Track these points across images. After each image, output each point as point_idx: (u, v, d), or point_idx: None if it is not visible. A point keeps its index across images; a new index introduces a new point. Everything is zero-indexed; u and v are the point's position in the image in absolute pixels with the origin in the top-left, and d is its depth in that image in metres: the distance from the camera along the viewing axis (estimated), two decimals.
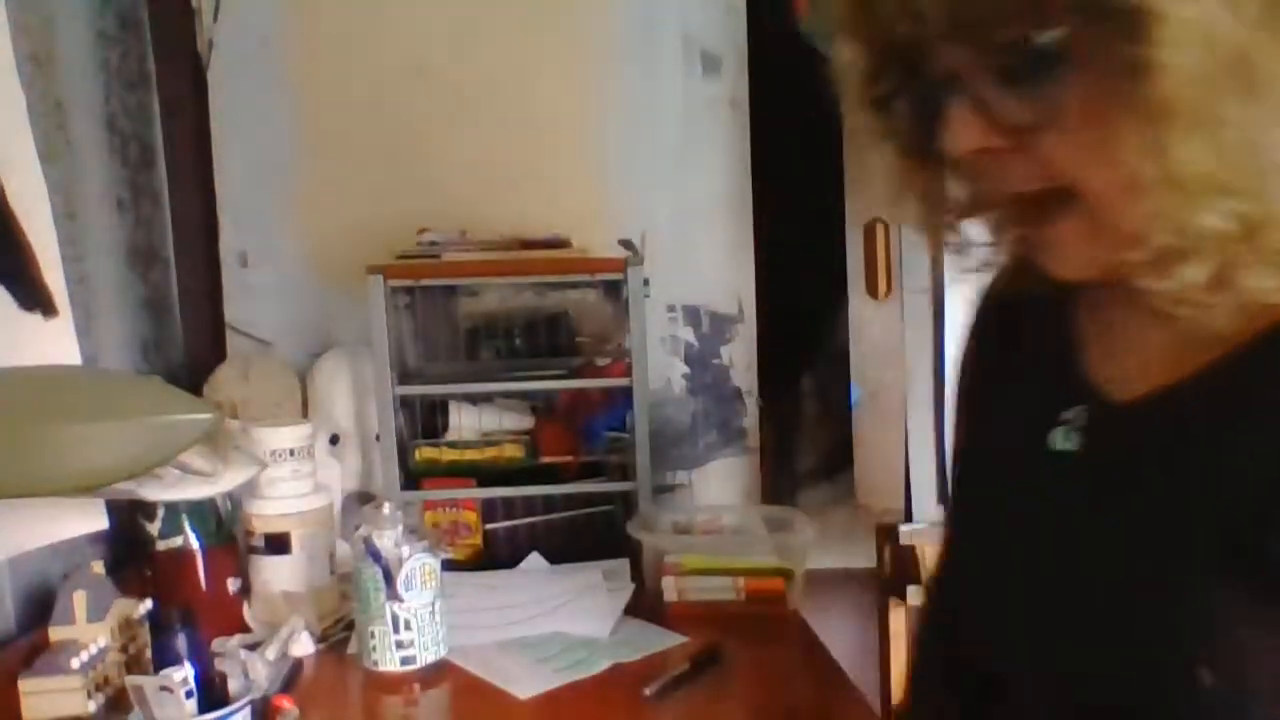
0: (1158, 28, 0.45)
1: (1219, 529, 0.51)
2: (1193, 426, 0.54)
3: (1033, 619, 0.60)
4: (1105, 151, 0.49)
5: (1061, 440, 0.60)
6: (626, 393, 1.44)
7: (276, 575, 1.25)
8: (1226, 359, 0.53)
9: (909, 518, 1.56)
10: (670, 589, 1.26)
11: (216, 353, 1.64)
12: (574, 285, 1.58)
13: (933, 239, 0.63)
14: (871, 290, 1.61)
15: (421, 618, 1.07)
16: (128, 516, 1.24)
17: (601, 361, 1.54)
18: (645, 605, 1.26)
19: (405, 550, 1.07)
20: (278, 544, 1.25)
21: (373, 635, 1.07)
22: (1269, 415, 0.51)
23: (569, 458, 1.51)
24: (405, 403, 1.47)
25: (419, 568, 1.07)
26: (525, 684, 1.06)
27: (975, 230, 0.62)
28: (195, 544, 1.22)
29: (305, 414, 1.55)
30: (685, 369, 1.71)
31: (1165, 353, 0.56)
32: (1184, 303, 0.51)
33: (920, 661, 0.82)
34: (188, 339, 1.63)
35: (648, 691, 1.03)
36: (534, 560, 1.44)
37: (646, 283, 1.46)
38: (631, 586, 1.32)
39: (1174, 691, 0.52)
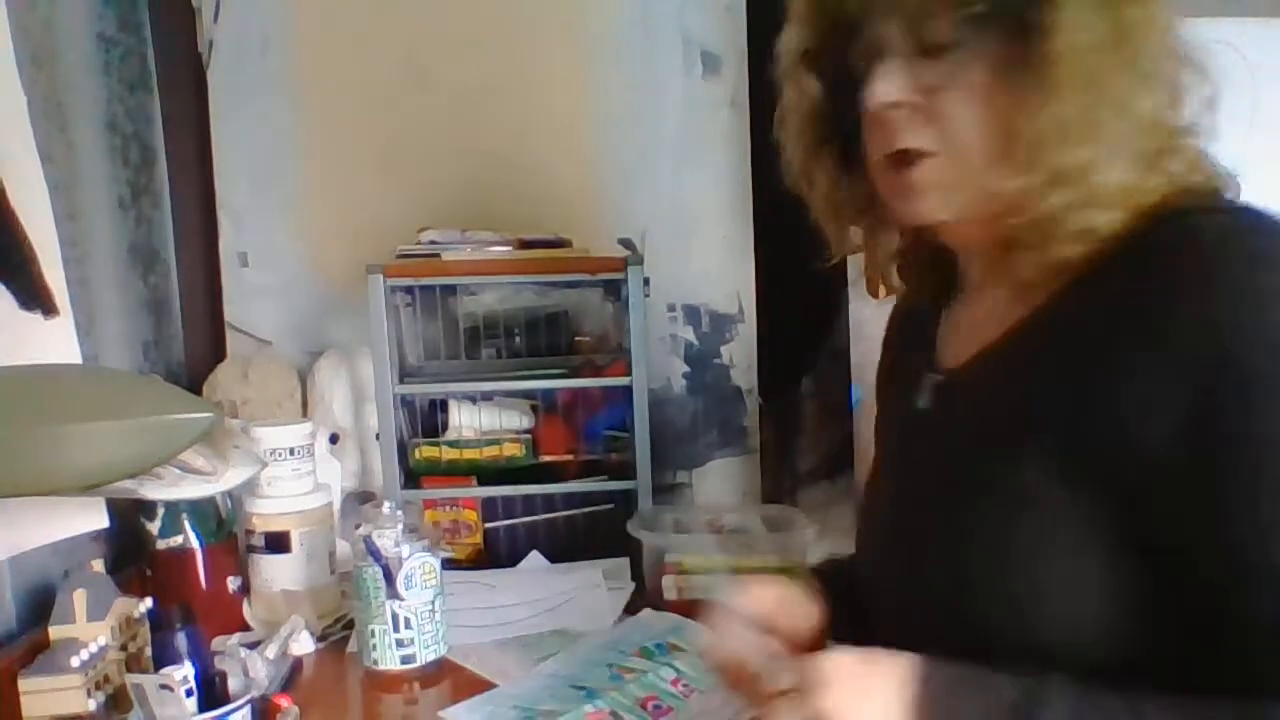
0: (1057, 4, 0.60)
1: (1012, 450, 0.64)
2: (989, 378, 0.70)
3: (889, 543, 0.76)
4: (991, 107, 0.63)
5: (921, 401, 0.77)
6: (626, 392, 1.44)
7: (276, 574, 1.25)
8: (1013, 330, 0.68)
9: None
10: (670, 588, 1.27)
11: (216, 352, 1.65)
12: (574, 285, 1.58)
13: (836, 218, 0.80)
14: (871, 290, 1.61)
15: (421, 616, 1.07)
16: (128, 515, 1.24)
17: (601, 361, 1.54)
18: (645, 604, 1.26)
19: (405, 549, 1.07)
20: (278, 543, 1.25)
21: (373, 634, 1.07)
22: (1046, 362, 0.64)
23: (569, 457, 1.51)
24: (405, 401, 1.47)
25: (419, 566, 1.07)
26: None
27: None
28: (195, 543, 1.22)
29: (305, 413, 1.55)
30: (685, 368, 1.71)
31: (978, 330, 0.73)
32: (1040, 236, 0.64)
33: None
34: (188, 338, 1.64)
35: None
36: (534, 559, 1.44)
37: (647, 282, 1.46)
38: (631, 585, 1.32)
39: (985, 594, 0.64)
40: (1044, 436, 0.62)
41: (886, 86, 0.65)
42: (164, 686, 0.84)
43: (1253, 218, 0.59)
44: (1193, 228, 0.60)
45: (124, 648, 1.06)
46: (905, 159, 0.67)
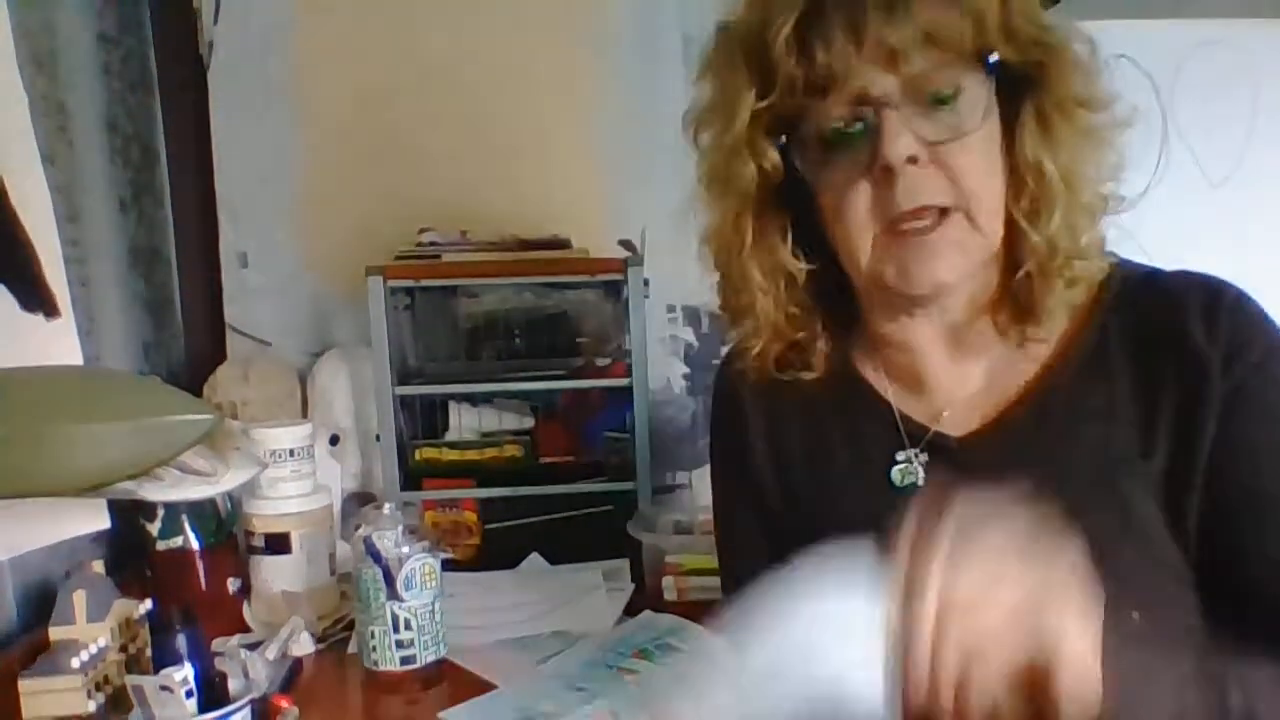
0: (1062, 62, 0.63)
1: (1108, 481, 0.67)
2: (1039, 433, 0.70)
3: None
4: (994, 158, 0.65)
5: (903, 477, 0.74)
6: (626, 393, 1.44)
7: (276, 575, 1.25)
8: (1037, 391, 0.70)
9: None
10: (670, 589, 1.27)
11: (217, 353, 1.65)
12: (574, 285, 1.58)
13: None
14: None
15: (421, 618, 1.07)
16: (128, 516, 1.24)
17: (601, 362, 1.54)
18: (645, 605, 1.26)
19: (405, 550, 1.07)
20: (278, 544, 1.25)
21: (373, 635, 1.07)
22: (1111, 403, 0.68)
23: (569, 458, 1.51)
24: (405, 403, 1.47)
25: (419, 568, 1.07)
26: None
27: None
28: (195, 544, 1.22)
29: (305, 414, 1.55)
30: (685, 369, 1.71)
31: (985, 395, 0.73)
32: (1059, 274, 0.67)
33: None
34: (188, 339, 1.64)
35: None
36: (534, 560, 1.44)
37: (646, 283, 1.46)
38: (631, 586, 1.32)
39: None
40: (1148, 462, 0.66)
41: (905, 141, 0.63)
42: (164, 688, 0.84)
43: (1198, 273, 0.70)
44: (1183, 282, 0.69)
45: (124, 649, 1.06)
46: (918, 222, 0.65)
